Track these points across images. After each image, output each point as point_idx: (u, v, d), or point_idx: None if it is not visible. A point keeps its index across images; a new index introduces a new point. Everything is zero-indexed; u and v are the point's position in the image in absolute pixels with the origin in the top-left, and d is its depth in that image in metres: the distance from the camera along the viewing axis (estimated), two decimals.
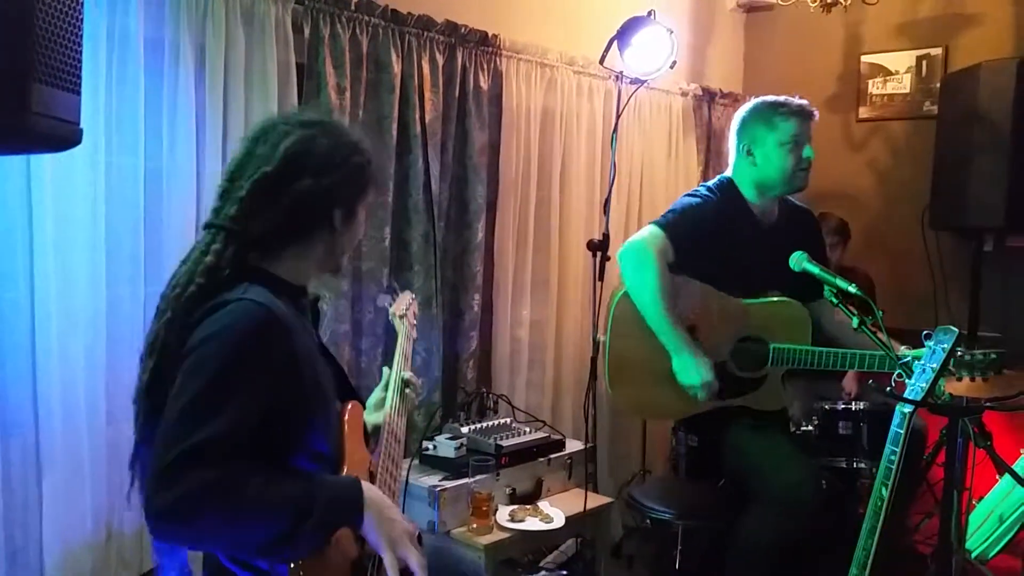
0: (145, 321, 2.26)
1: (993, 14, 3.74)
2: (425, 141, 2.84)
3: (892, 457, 1.86)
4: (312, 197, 1.45)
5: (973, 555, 2.27)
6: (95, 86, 2.09)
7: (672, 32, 3.18)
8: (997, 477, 2.42)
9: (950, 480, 1.97)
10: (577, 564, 2.96)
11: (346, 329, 2.68)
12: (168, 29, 2.24)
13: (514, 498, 2.68)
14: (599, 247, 3.08)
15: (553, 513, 2.61)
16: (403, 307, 2.11)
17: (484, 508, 2.49)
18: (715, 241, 2.57)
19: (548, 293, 3.39)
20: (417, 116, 2.80)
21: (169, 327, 1.37)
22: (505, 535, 2.49)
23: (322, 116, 1.59)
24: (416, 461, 2.66)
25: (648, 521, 3.31)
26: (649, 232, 2.59)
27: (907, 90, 3.98)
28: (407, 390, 1.86)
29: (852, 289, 2.17)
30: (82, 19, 1.18)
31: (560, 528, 2.59)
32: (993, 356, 1.93)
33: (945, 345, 1.82)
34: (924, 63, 3.92)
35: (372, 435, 1.76)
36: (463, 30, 2.91)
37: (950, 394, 1.97)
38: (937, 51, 3.88)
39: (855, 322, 2.13)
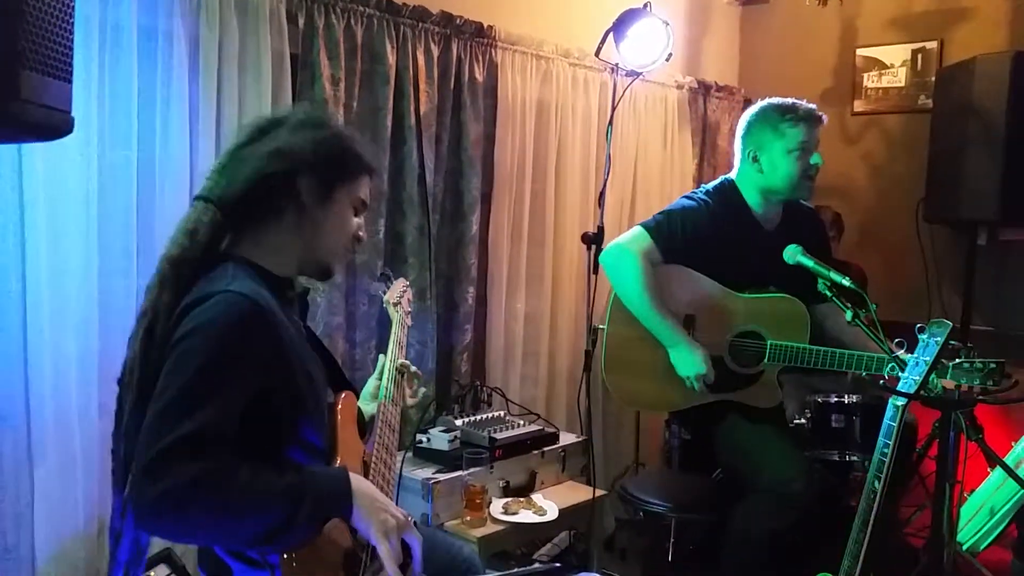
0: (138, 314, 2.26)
1: (988, 7, 3.74)
2: (420, 133, 2.83)
3: (885, 450, 1.87)
4: (273, 156, 1.44)
5: (964, 547, 2.28)
6: (87, 76, 2.08)
7: (668, 24, 3.17)
8: (988, 470, 2.43)
9: (942, 473, 1.98)
10: (570, 556, 2.97)
11: (340, 321, 2.68)
12: (162, 19, 2.23)
13: (508, 491, 2.69)
14: (594, 240, 3.07)
15: (547, 506, 2.62)
16: (397, 295, 2.10)
17: (478, 501, 2.49)
18: (713, 245, 2.56)
19: (543, 286, 3.39)
20: (412, 108, 2.79)
21: (159, 289, 1.39)
22: (498, 528, 2.50)
23: (316, 107, 1.60)
24: (410, 454, 2.66)
25: (641, 514, 3.31)
26: (632, 234, 2.60)
27: (902, 83, 3.98)
28: (402, 378, 1.86)
29: (846, 282, 2.18)
30: (73, 5, 1.17)
31: (553, 521, 2.59)
32: (992, 365, 1.93)
33: (938, 338, 1.83)
34: (919, 56, 3.93)
35: (368, 424, 1.75)
36: (458, 21, 2.90)
37: (943, 387, 1.98)
38: (932, 44, 3.88)
39: (848, 315, 2.14)
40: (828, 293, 2.21)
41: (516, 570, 1.49)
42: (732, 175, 2.69)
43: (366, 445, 1.65)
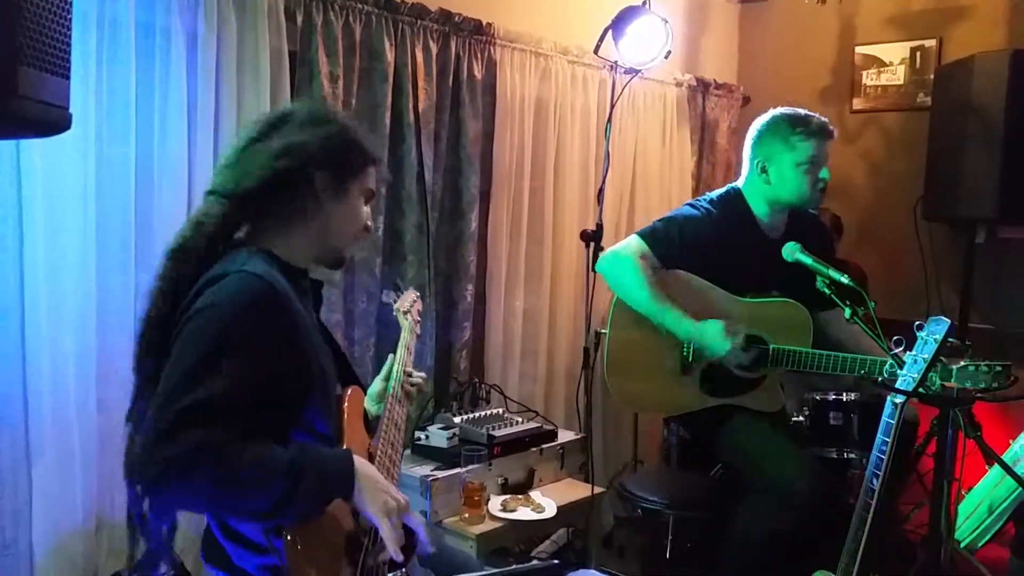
0: (137, 309, 2.25)
1: (986, 6, 3.74)
2: (418, 130, 2.83)
3: (883, 447, 1.87)
4: (287, 152, 1.47)
5: (962, 545, 2.28)
6: (85, 73, 2.08)
7: (667, 22, 3.17)
8: (986, 467, 2.43)
9: (940, 470, 1.98)
10: (568, 554, 2.97)
11: (338, 319, 2.68)
12: (160, 15, 2.22)
13: (506, 488, 2.69)
14: (592, 237, 3.07)
15: (545, 503, 2.62)
16: (407, 304, 2.12)
17: (476, 498, 2.49)
18: (715, 253, 2.54)
19: (541, 283, 3.39)
20: (410, 105, 2.79)
21: (160, 281, 1.41)
22: (497, 525, 2.50)
23: (319, 102, 1.62)
24: (408, 451, 2.66)
25: (639, 511, 3.32)
26: (629, 241, 2.60)
27: (901, 81, 3.98)
28: (410, 384, 1.88)
29: (844, 280, 2.18)
30: (71, 1, 1.16)
31: (552, 518, 2.59)
32: (999, 368, 1.93)
33: (937, 336, 1.83)
34: (918, 54, 3.92)
35: (373, 423, 1.76)
36: (457, 18, 2.90)
37: (941, 384, 1.97)
38: (931, 42, 3.88)
39: (847, 312, 2.14)
40: (827, 291, 2.21)
41: (514, 567, 1.49)
42: (739, 183, 2.67)
43: (372, 440, 1.66)
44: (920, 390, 1.86)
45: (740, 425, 2.56)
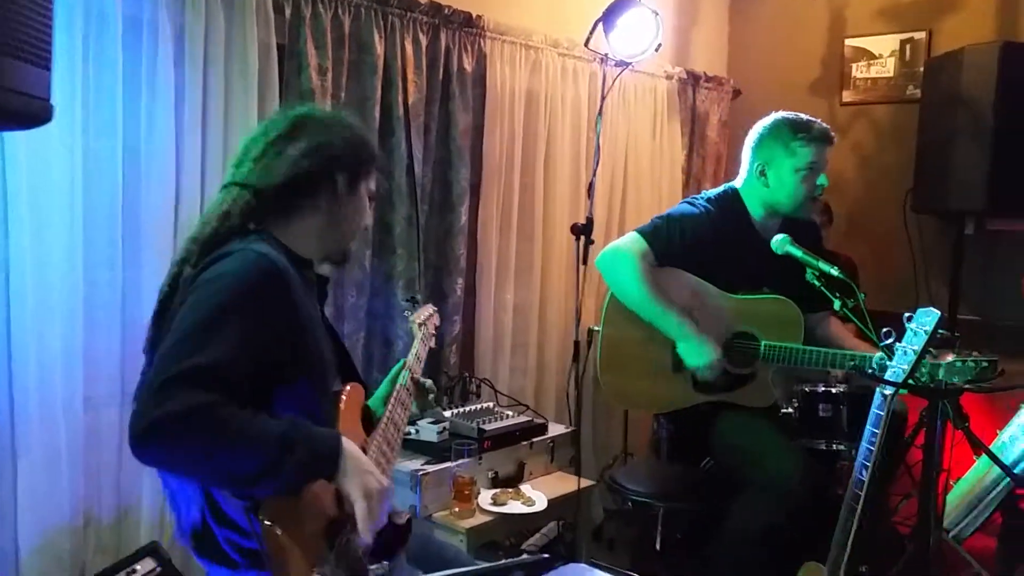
0: (124, 305, 2.25)
1: None
2: (408, 123, 2.81)
3: (872, 439, 1.87)
4: (315, 152, 1.55)
5: (951, 534, 2.30)
6: (71, 65, 2.06)
7: (657, 14, 3.16)
8: (974, 458, 2.45)
9: (929, 461, 1.99)
10: (559, 547, 2.97)
11: (328, 313, 2.66)
12: (147, 7, 2.20)
13: (496, 482, 2.69)
14: (583, 231, 3.06)
15: (535, 496, 2.62)
16: (423, 316, 2.15)
17: (466, 492, 2.49)
18: (710, 251, 2.55)
19: (532, 277, 3.38)
20: (400, 98, 2.78)
21: (181, 264, 1.47)
22: (487, 518, 2.50)
23: (322, 110, 1.71)
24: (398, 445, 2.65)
25: (629, 504, 3.33)
26: (628, 239, 2.60)
27: (891, 74, 3.98)
28: (417, 389, 1.91)
29: (834, 271, 2.18)
30: None
31: (542, 511, 2.59)
32: (984, 364, 1.93)
33: (926, 327, 1.83)
34: (908, 47, 3.93)
35: (375, 423, 1.76)
36: (447, 11, 2.88)
37: (930, 376, 1.98)
38: (921, 35, 3.88)
39: (836, 304, 2.14)
40: (817, 283, 2.22)
41: (504, 561, 1.49)
42: (736, 183, 2.68)
43: (369, 436, 1.66)
44: (910, 382, 1.86)
45: (733, 421, 2.56)
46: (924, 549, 2.01)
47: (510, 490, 2.63)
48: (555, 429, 2.96)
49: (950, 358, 1.93)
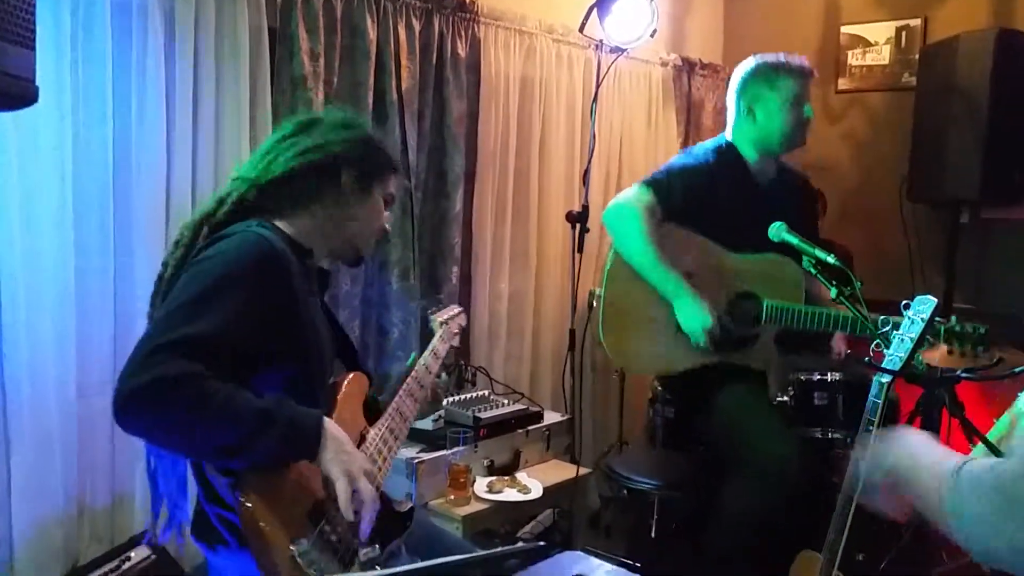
0: (116, 292, 2.23)
1: None
2: (402, 109, 2.79)
3: (869, 427, 1.87)
4: (316, 149, 1.56)
5: None
6: (60, 51, 2.04)
7: (652, 0, 3.14)
8: (970, 447, 2.44)
9: None
10: (554, 534, 2.98)
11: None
12: None
13: (492, 470, 2.68)
14: (578, 218, 3.05)
15: (531, 484, 2.62)
16: (446, 316, 2.15)
17: (462, 480, 2.49)
18: (711, 200, 2.56)
19: (527, 265, 3.37)
20: (393, 83, 2.75)
21: (176, 246, 1.49)
22: (483, 506, 2.49)
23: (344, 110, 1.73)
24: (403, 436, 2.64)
25: (625, 491, 3.33)
26: (633, 190, 2.59)
27: (886, 61, 3.97)
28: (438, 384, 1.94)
29: (830, 259, 2.17)
30: None
31: (538, 499, 2.59)
32: (982, 331, 1.93)
33: (924, 315, 1.82)
34: (903, 34, 3.92)
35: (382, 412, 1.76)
36: None
37: (927, 364, 1.98)
38: (916, 22, 3.87)
39: (833, 292, 2.13)
40: (812, 270, 2.21)
41: (500, 549, 1.48)
42: (727, 135, 2.71)
43: (372, 426, 1.66)
44: (906, 370, 1.85)
45: (729, 401, 2.55)
46: (919, 537, 2.01)
47: (506, 478, 2.63)
48: (551, 417, 2.95)
49: (949, 324, 1.93)
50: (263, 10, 2.41)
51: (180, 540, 1.58)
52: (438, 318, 2.13)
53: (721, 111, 4.23)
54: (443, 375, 2.01)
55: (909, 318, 1.86)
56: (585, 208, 3.07)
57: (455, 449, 2.57)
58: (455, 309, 2.23)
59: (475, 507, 2.48)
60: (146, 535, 2.09)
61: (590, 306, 2.98)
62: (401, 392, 1.79)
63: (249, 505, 1.30)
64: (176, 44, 2.25)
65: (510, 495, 2.55)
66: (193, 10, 2.26)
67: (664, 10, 3.69)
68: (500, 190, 3.22)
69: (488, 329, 3.24)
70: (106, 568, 2.01)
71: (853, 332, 2.36)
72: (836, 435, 3.05)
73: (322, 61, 2.53)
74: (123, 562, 2.03)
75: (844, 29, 4.07)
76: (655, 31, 3.20)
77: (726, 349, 2.54)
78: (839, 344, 3.34)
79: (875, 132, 4.03)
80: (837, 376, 3.07)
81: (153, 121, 2.23)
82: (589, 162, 3.17)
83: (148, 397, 1.23)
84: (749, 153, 2.64)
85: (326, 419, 1.41)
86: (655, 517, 2.87)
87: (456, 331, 2.15)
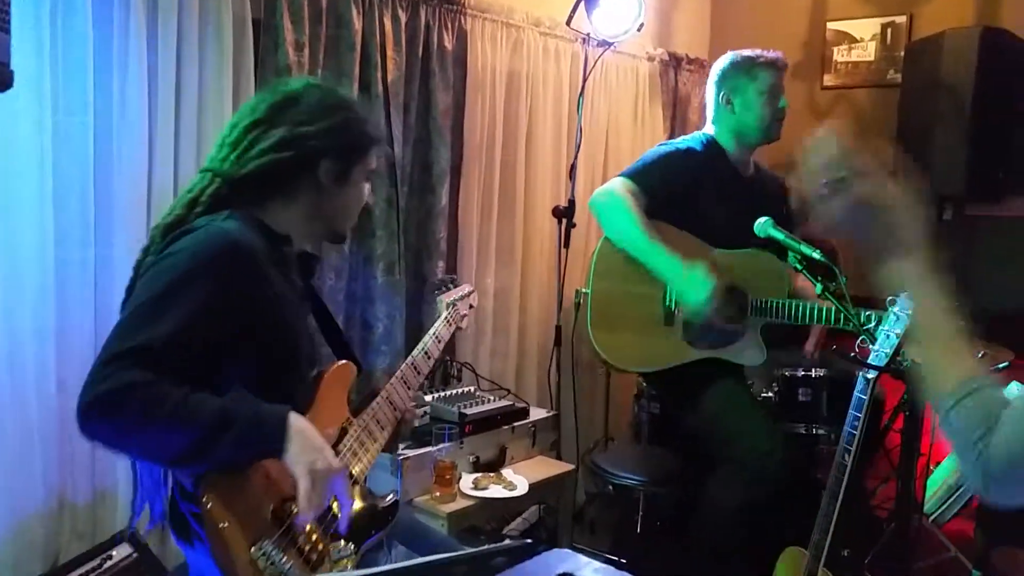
0: (96, 284, 2.19)
1: None
2: (387, 101, 2.76)
3: (855, 423, 1.87)
4: (289, 143, 1.49)
5: (931, 519, 2.32)
6: (39, 40, 2.00)
7: None
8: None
9: (909, 445, 1.99)
10: (540, 531, 2.97)
11: None
12: None
13: (478, 466, 2.67)
14: (565, 213, 3.04)
15: (517, 480, 2.61)
16: (453, 296, 2.07)
17: (447, 476, 2.47)
18: (693, 190, 2.58)
19: (513, 260, 3.35)
20: (379, 75, 2.73)
21: (144, 252, 1.45)
22: (468, 503, 2.48)
23: (327, 82, 1.63)
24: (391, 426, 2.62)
25: (610, 487, 3.33)
26: (615, 181, 2.61)
27: (871, 58, 3.98)
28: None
29: (816, 255, 2.17)
30: None
31: (523, 495, 2.58)
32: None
33: (909, 311, 1.83)
34: (889, 31, 3.93)
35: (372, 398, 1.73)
36: None
37: (912, 360, 1.98)
38: (901, 19, 3.88)
39: (819, 288, 2.13)
40: (798, 266, 2.21)
41: (486, 547, 1.47)
42: (707, 128, 2.73)
43: (359, 415, 1.63)
44: (892, 365, 1.86)
45: (715, 394, 2.55)
46: (903, 532, 2.02)
47: (491, 474, 2.62)
48: (536, 413, 2.94)
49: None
50: (247, 0, 2.38)
51: (163, 527, 1.55)
52: (445, 299, 2.05)
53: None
54: (420, 398, 1.94)
55: (895, 314, 1.87)
56: (571, 203, 3.06)
57: (440, 445, 2.55)
58: (465, 289, 2.14)
59: (461, 504, 2.47)
60: (130, 529, 2.07)
61: (577, 306, 2.97)
62: (394, 380, 1.73)
63: (209, 505, 1.28)
64: (158, 34, 2.21)
65: (496, 492, 2.54)
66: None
67: (651, 5, 3.68)
68: (486, 184, 3.20)
69: (474, 325, 3.22)
70: (88, 567, 1.99)
71: (838, 325, 2.36)
72: (820, 431, 3.07)
73: (307, 52, 2.50)
74: (105, 560, 2.01)
75: (830, 25, 4.07)
76: (642, 25, 3.20)
77: (714, 345, 2.54)
78: (809, 343, 3.36)
79: (860, 129, 4.04)
80: (822, 372, 3.09)
81: (134, 111, 2.19)
82: (576, 157, 3.16)
83: (102, 409, 1.22)
84: (729, 145, 2.67)
85: (292, 415, 1.36)
86: (640, 513, 2.87)
87: (465, 313, 2.07)
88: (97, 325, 2.18)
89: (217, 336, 1.34)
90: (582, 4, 3.10)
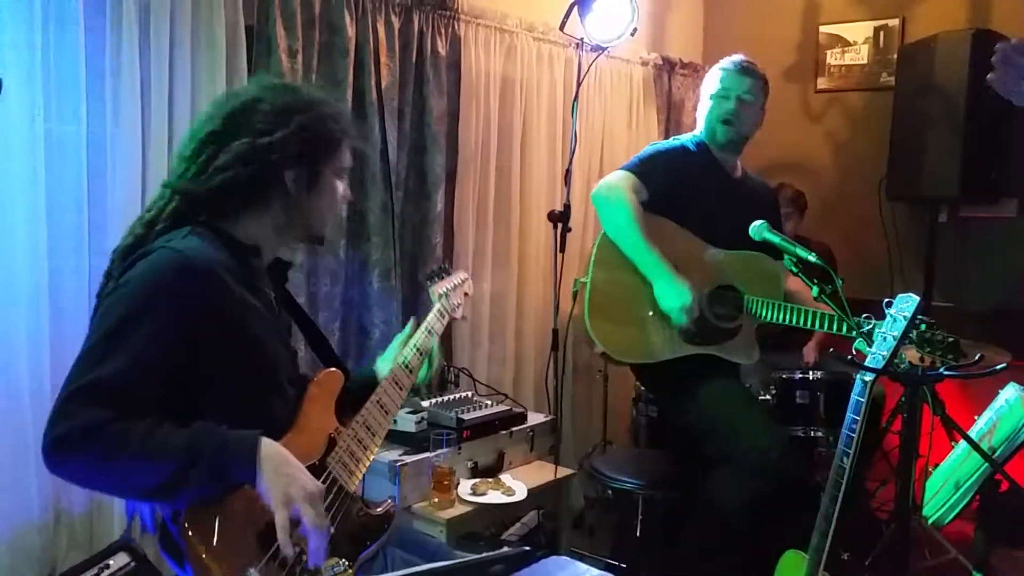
0: (90, 293, 2.18)
1: None
2: (381, 108, 2.76)
3: (853, 425, 1.87)
4: (250, 156, 1.41)
5: (930, 520, 2.31)
6: (31, 47, 1.99)
7: None
8: (951, 445, 2.46)
9: (907, 447, 1.99)
10: (539, 536, 2.96)
11: (302, 302, 2.59)
12: None
13: (476, 472, 2.66)
14: (560, 218, 3.04)
15: (515, 486, 2.60)
16: (446, 287, 1.99)
17: (445, 482, 2.46)
18: (689, 186, 2.60)
19: (509, 265, 3.35)
20: (373, 82, 2.72)
21: (106, 278, 1.40)
22: (467, 509, 2.47)
23: (287, 81, 1.56)
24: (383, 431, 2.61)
25: (609, 491, 3.32)
26: (617, 174, 2.62)
27: (864, 61, 3.99)
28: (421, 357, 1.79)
29: (812, 258, 2.17)
30: None
31: (522, 501, 2.57)
32: (951, 339, 1.94)
33: (906, 313, 1.83)
34: (881, 34, 3.94)
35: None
36: None
37: (909, 362, 1.98)
38: (894, 22, 3.90)
39: (815, 291, 2.13)
40: (794, 269, 2.21)
41: (484, 555, 1.46)
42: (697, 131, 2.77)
43: (349, 423, 1.57)
44: (889, 367, 1.86)
45: (714, 392, 2.55)
46: (905, 534, 2.02)
47: (490, 480, 2.61)
48: (534, 418, 2.94)
49: (921, 331, 1.93)
50: (240, 6, 2.37)
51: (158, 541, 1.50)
52: (437, 289, 1.96)
53: None
54: (435, 345, 1.82)
55: (891, 316, 1.86)
56: (567, 207, 3.06)
57: (438, 451, 2.55)
58: (459, 277, 2.05)
59: (459, 510, 2.46)
60: (127, 539, 2.05)
61: (574, 296, 2.96)
62: (384, 382, 1.68)
63: (190, 533, 1.24)
64: (151, 41, 2.21)
65: (494, 497, 2.53)
66: (168, 7, 2.22)
67: (644, 9, 3.69)
68: (481, 190, 3.20)
69: (471, 330, 3.21)
70: None
71: (831, 330, 2.36)
72: (818, 433, 3.07)
73: (300, 59, 2.50)
74: (102, 569, 1.99)
75: (823, 29, 4.09)
76: (635, 30, 3.20)
77: (708, 341, 2.54)
78: (809, 353, 3.37)
79: (854, 131, 4.05)
80: (819, 375, 3.09)
81: (128, 120, 2.18)
82: (571, 161, 3.16)
83: (63, 451, 1.20)
84: (710, 141, 2.69)
85: (263, 441, 1.30)
86: (639, 517, 2.86)
87: (459, 302, 1.99)
88: None
89: (179, 361, 1.29)
90: (575, 9, 3.10)
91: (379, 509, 1.58)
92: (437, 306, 1.92)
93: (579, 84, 3.24)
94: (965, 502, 2.25)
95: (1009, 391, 2.34)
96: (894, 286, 3.71)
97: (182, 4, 2.24)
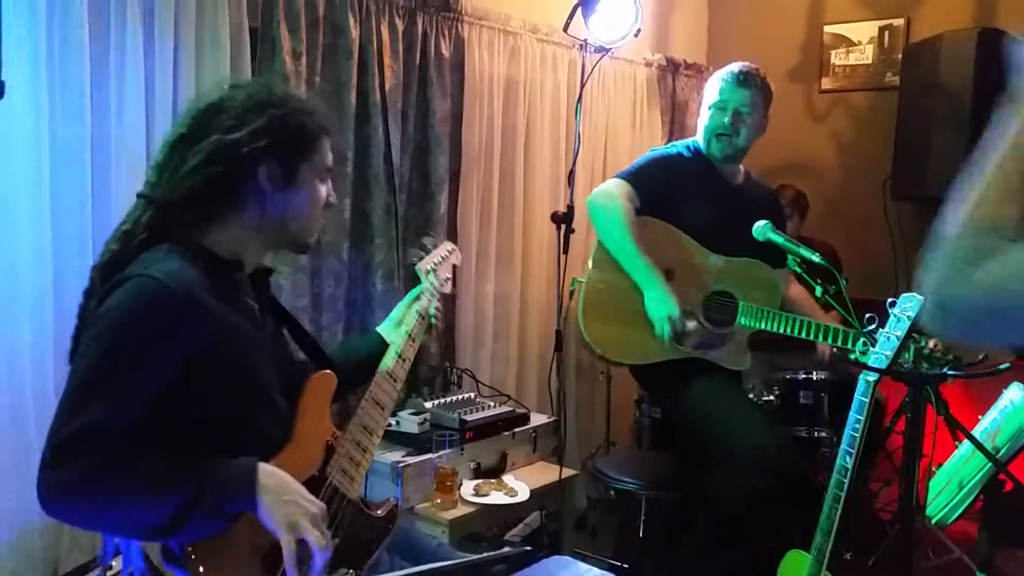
0: None
1: None
2: (385, 109, 2.77)
3: (856, 425, 1.87)
4: (221, 153, 1.36)
5: (934, 520, 2.30)
6: (36, 49, 2.00)
7: None
8: (955, 444, 2.45)
9: (911, 447, 1.98)
10: (541, 537, 2.96)
11: (305, 303, 2.62)
12: None
13: (479, 472, 2.66)
14: (564, 219, 3.03)
15: (518, 487, 2.60)
16: (431, 263, 1.91)
17: (448, 483, 2.46)
18: (684, 193, 2.59)
19: (512, 266, 3.35)
20: (376, 83, 2.73)
21: (86, 297, 1.37)
22: (469, 510, 2.47)
23: (259, 78, 1.52)
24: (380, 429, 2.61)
25: (612, 492, 3.32)
26: (612, 181, 2.63)
27: (869, 61, 3.99)
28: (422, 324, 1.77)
29: (816, 258, 2.17)
30: None
31: (525, 501, 2.57)
32: (951, 357, 1.93)
33: (910, 313, 1.83)
34: (886, 33, 3.93)
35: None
36: None
37: (912, 362, 1.98)
38: (899, 21, 3.89)
39: (818, 291, 2.13)
40: (798, 269, 2.21)
41: (485, 555, 1.46)
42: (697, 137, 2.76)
43: (345, 426, 1.56)
44: (893, 367, 1.85)
45: (709, 391, 2.55)
46: (908, 534, 2.01)
47: (492, 481, 2.61)
48: (537, 419, 2.94)
49: (919, 346, 1.93)
50: (244, 8, 2.38)
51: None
52: (423, 267, 1.89)
53: None
54: (434, 307, 1.79)
55: (895, 316, 1.86)
56: (570, 209, 3.05)
57: (441, 452, 2.55)
58: (444, 249, 1.97)
59: (462, 511, 2.46)
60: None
61: (571, 296, 2.97)
62: (377, 376, 1.63)
63: (195, 559, 1.25)
64: (155, 42, 2.21)
65: (497, 498, 2.53)
66: (173, 8, 2.22)
67: (648, 10, 3.69)
68: (485, 191, 3.20)
69: (474, 331, 3.22)
70: None
71: (825, 340, 2.34)
72: (822, 434, 3.06)
73: (304, 60, 2.51)
74: (105, 571, 1.99)
75: (827, 29, 4.08)
76: (639, 31, 3.20)
77: (698, 344, 2.54)
78: (823, 346, 3.34)
79: (858, 131, 4.05)
80: (823, 375, 3.08)
81: (132, 121, 2.19)
82: (574, 163, 3.15)
83: (60, 503, 1.19)
84: (708, 151, 2.67)
85: (261, 468, 1.28)
86: (642, 518, 2.86)
87: (448, 275, 1.93)
88: None
89: (164, 388, 1.27)
90: (579, 10, 3.09)
91: (380, 511, 1.57)
92: (425, 284, 1.86)
93: (583, 85, 3.23)
94: (969, 502, 2.24)
95: (1013, 391, 2.33)
96: (898, 286, 3.69)
97: (186, 6, 2.25)
